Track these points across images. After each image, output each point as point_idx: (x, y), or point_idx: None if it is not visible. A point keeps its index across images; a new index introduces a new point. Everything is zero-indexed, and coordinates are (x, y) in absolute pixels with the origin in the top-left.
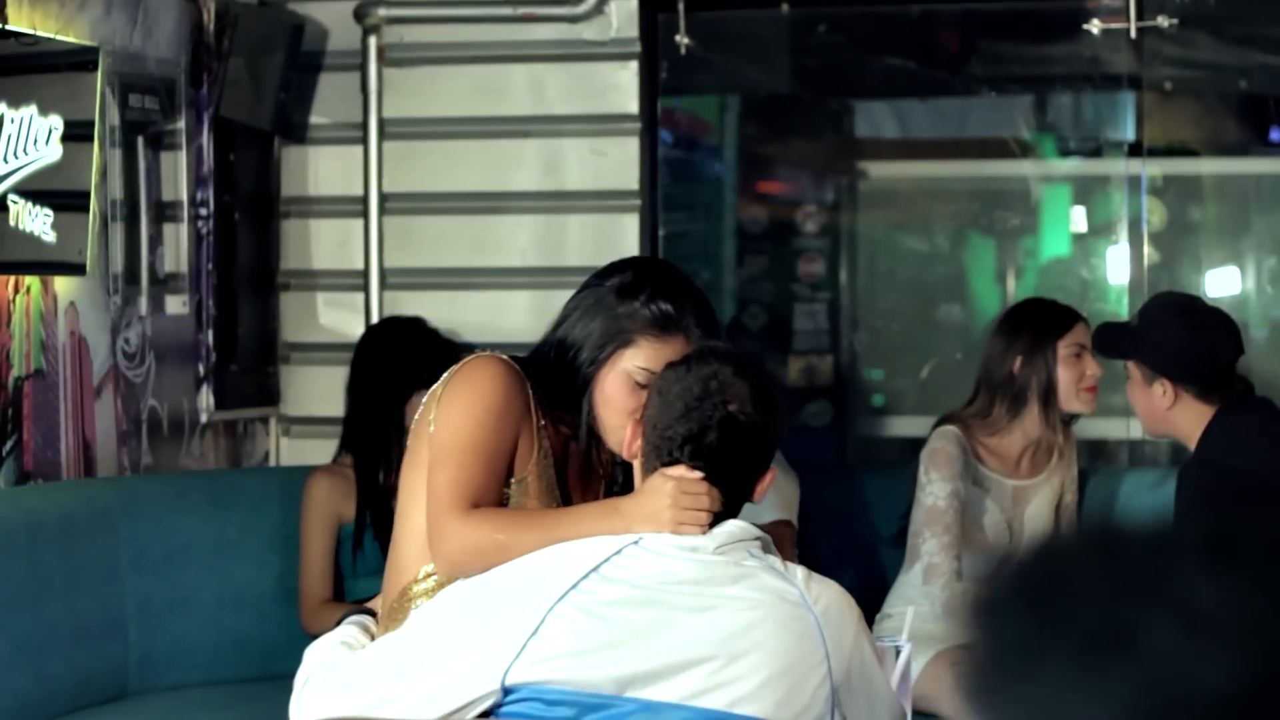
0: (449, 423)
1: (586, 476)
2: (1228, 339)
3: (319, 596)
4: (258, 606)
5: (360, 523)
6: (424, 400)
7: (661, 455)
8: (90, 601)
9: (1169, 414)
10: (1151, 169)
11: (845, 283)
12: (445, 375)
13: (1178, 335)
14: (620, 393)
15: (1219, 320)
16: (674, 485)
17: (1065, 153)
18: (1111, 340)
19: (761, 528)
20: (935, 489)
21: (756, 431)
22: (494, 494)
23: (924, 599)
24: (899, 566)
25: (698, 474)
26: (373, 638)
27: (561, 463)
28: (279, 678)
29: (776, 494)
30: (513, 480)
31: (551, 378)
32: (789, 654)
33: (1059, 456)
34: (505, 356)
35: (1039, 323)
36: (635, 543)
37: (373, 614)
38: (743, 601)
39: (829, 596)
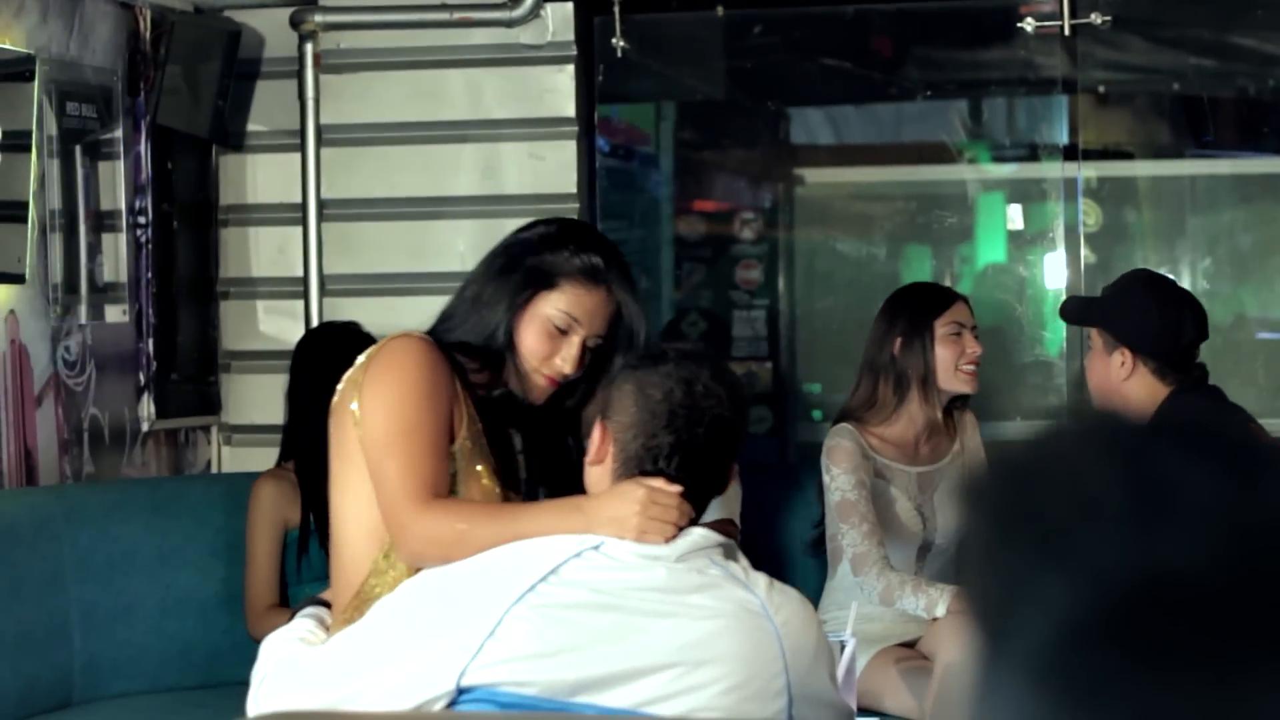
0: (384, 409)
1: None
2: (1194, 320)
3: (265, 602)
4: (202, 613)
5: (304, 528)
6: (340, 385)
7: (644, 464)
8: (34, 609)
9: (1123, 385)
10: (1087, 172)
11: (783, 289)
12: (362, 359)
13: (1145, 307)
14: (536, 337)
15: (1188, 301)
16: (646, 494)
17: (1001, 157)
18: (1079, 308)
19: (706, 526)
20: (840, 483)
21: (732, 435)
22: (444, 476)
23: (858, 594)
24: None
25: (676, 488)
26: (329, 630)
27: (493, 439)
28: (225, 684)
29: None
30: (453, 448)
31: (463, 337)
32: (749, 665)
33: (959, 438)
34: (419, 333)
35: (916, 304)
36: (595, 547)
37: (327, 605)
38: (705, 610)
39: (790, 608)
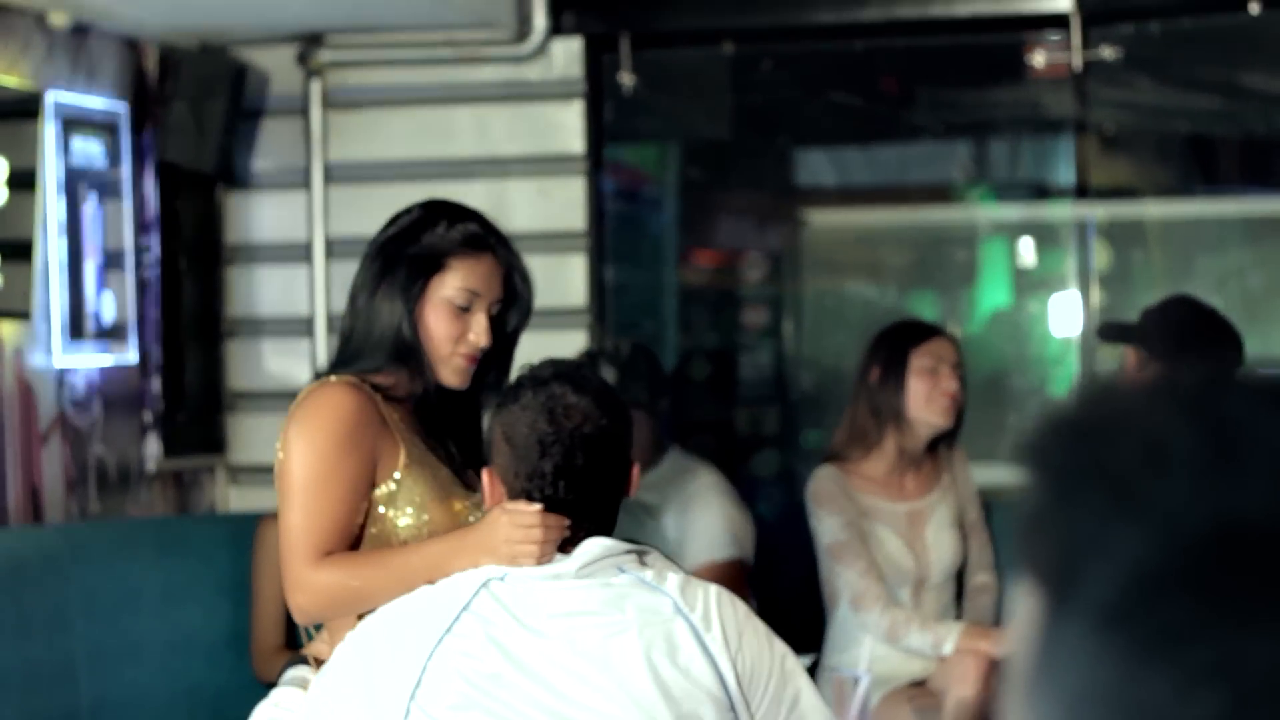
0: (292, 460)
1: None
2: (1233, 344)
3: (271, 643)
4: (209, 653)
5: None
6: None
7: (532, 495)
8: (40, 648)
9: None
10: (1097, 212)
11: (790, 332)
12: (293, 405)
13: (1184, 326)
14: (443, 322)
15: (1226, 327)
16: (507, 519)
17: (1009, 198)
18: (1118, 327)
19: (717, 566)
20: (828, 524)
21: (613, 439)
22: (346, 531)
23: (867, 636)
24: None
25: (534, 507)
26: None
27: (435, 441)
28: None
29: (730, 532)
30: (383, 491)
31: (371, 353)
32: (661, 672)
33: (947, 474)
34: (350, 377)
35: (896, 337)
36: (501, 578)
37: (314, 662)
38: (610, 628)
39: (705, 600)
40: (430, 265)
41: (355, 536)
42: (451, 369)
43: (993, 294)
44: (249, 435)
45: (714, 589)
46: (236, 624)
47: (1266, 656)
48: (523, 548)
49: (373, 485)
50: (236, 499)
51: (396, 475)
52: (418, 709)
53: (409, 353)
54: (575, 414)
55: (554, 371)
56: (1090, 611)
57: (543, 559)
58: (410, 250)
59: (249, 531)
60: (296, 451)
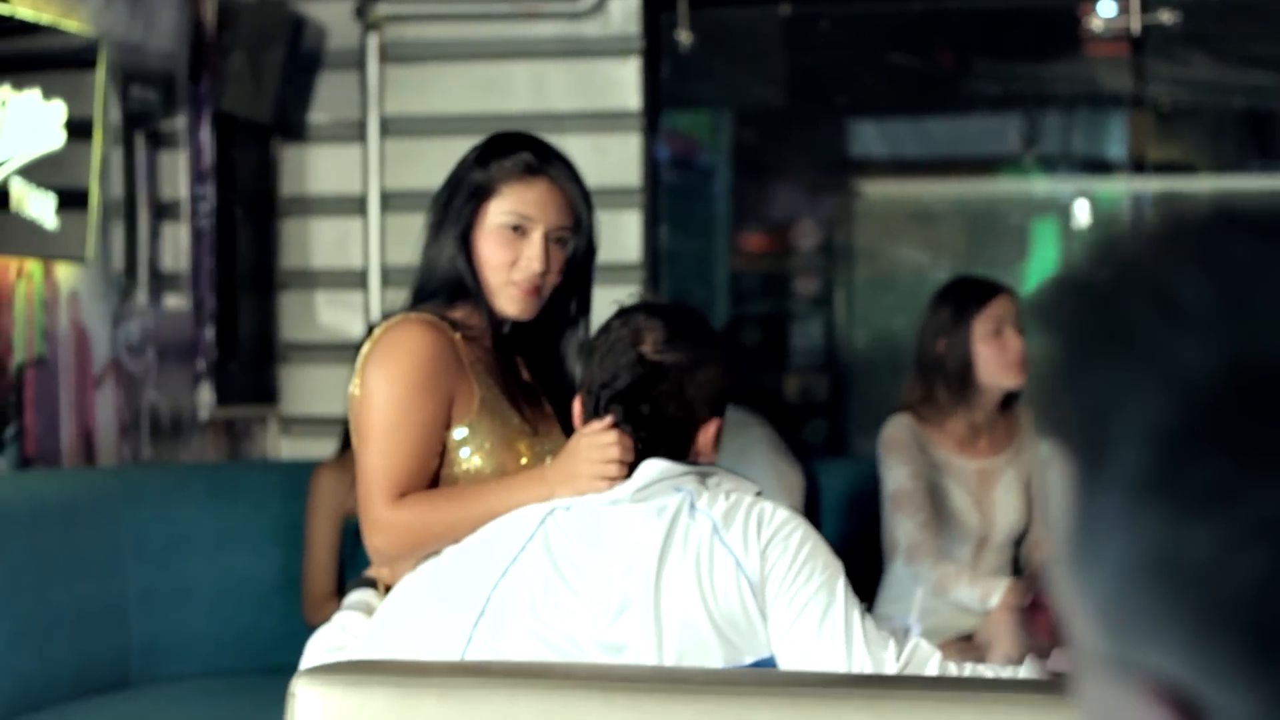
0: (371, 399)
1: (525, 387)
2: None
3: (323, 590)
4: (259, 598)
5: None
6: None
7: (588, 412)
8: (93, 588)
9: None
10: (1152, 186)
11: (841, 301)
12: (369, 341)
13: None
14: (495, 248)
15: None
16: (585, 441)
17: (1063, 170)
18: None
19: None
20: (896, 473)
21: (672, 370)
22: (424, 472)
23: (919, 587)
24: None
25: (604, 423)
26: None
27: (510, 385)
28: (281, 670)
29: (780, 484)
30: (456, 434)
31: (440, 286)
32: (708, 600)
33: (1021, 436)
34: (428, 314)
35: (958, 298)
36: (566, 508)
37: (374, 584)
38: (659, 556)
39: (728, 504)
40: (482, 193)
41: (432, 477)
42: (507, 298)
43: (1045, 268)
44: (301, 386)
45: (768, 508)
46: (287, 570)
47: None
48: (602, 467)
49: (447, 426)
50: (288, 449)
51: (470, 420)
52: (480, 639)
53: (466, 284)
54: (638, 335)
55: (646, 305)
56: (1124, 479)
57: (619, 479)
58: (467, 180)
59: (302, 478)
60: (375, 392)
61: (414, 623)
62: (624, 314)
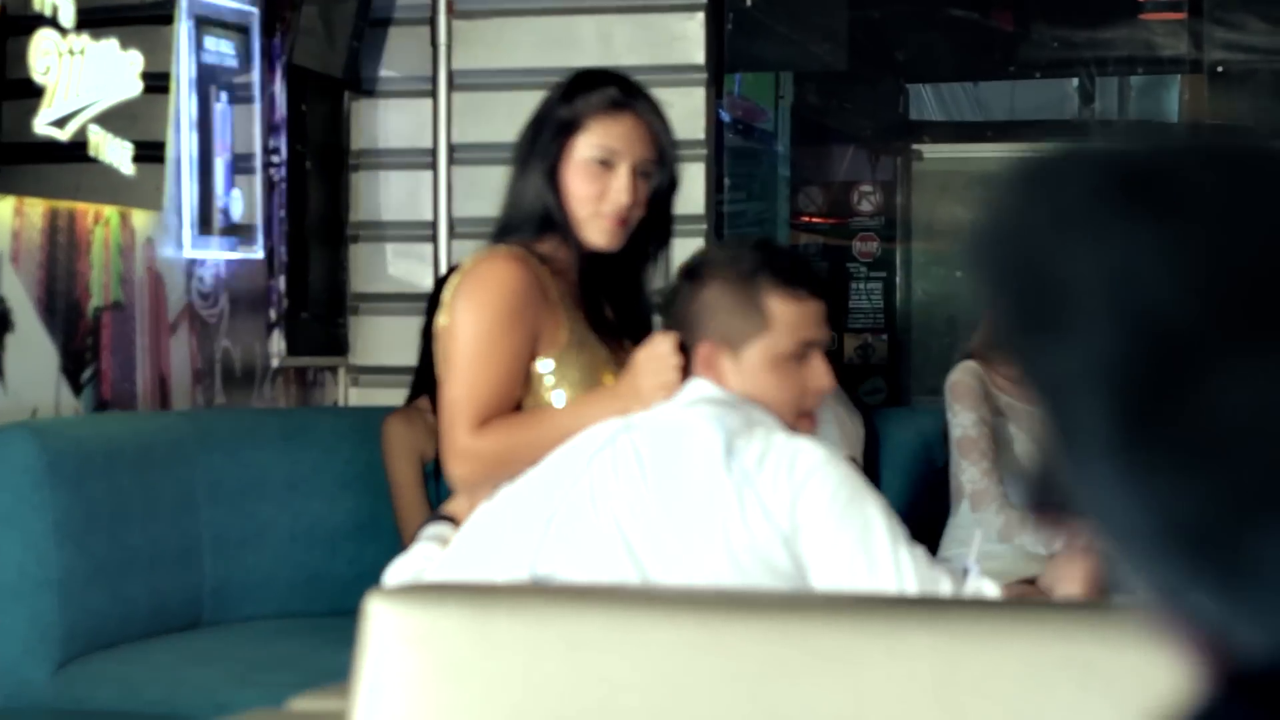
0: (459, 330)
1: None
2: None
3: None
4: (330, 542)
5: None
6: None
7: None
8: (167, 529)
9: None
10: None
11: (900, 262)
12: (457, 274)
13: None
14: (582, 181)
15: None
16: (644, 354)
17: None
18: None
19: None
20: (962, 419)
21: (677, 294)
22: (507, 402)
23: (977, 530)
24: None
25: (660, 337)
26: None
27: (596, 318)
28: (351, 613)
29: (840, 430)
30: (542, 367)
31: (527, 221)
32: (737, 537)
33: None
34: (516, 248)
35: None
36: (627, 429)
37: (453, 520)
38: (700, 485)
39: (758, 450)
40: (569, 127)
41: (515, 408)
42: (597, 230)
43: None
44: (371, 338)
45: (804, 447)
46: (358, 515)
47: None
48: (662, 377)
49: (533, 358)
50: (356, 399)
51: (557, 353)
52: (544, 563)
53: (554, 217)
54: (708, 267)
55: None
56: (1096, 449)
57: (676, 388)
58: (553, 116)
59: (373, 425)
60: (462, 322)
61: (489, 542)
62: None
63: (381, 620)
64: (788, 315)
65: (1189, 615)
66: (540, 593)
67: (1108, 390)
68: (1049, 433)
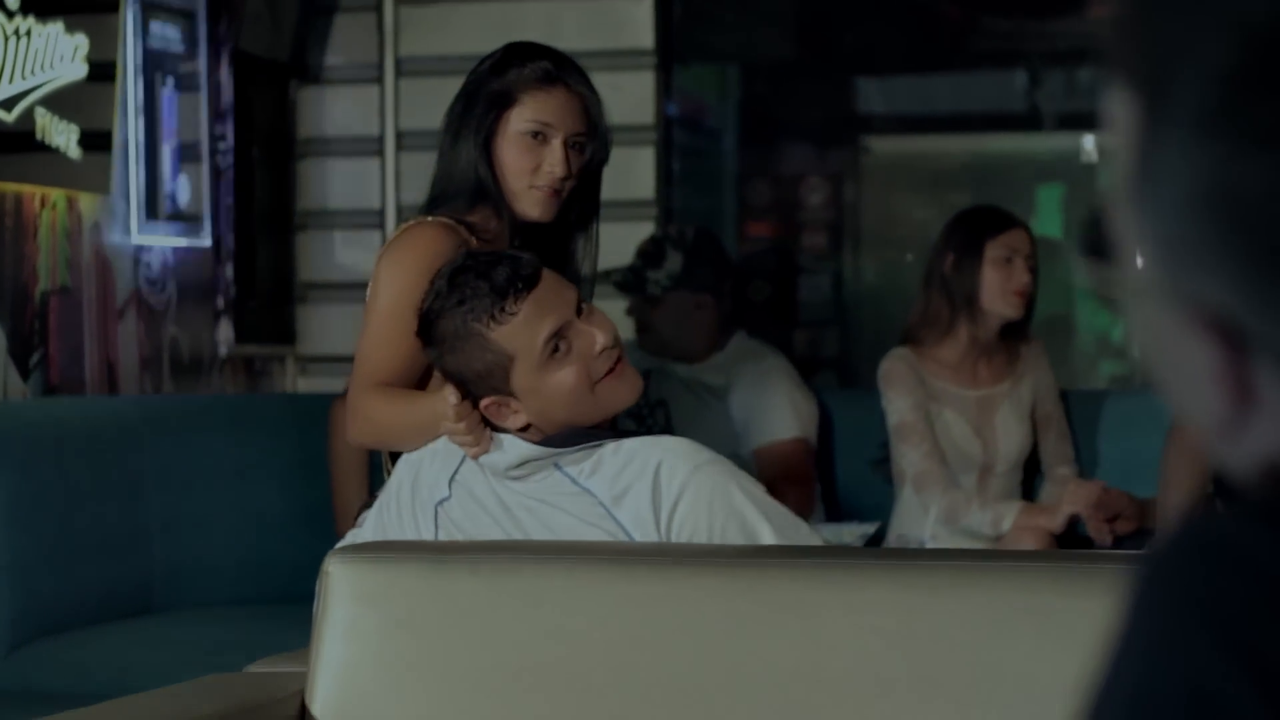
0: (378, 291)
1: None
2: None
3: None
4: (280, 529)
5: None
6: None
7: None
8: (116, 514)
9: None
10: None
11: (849, 256)
12: (385, 244)
13: None
14: (516, 154)
15: None
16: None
17: (1069, 126)
18: None
19: (782, 444)
20: (897, 405)
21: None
22: (412, 368)
23: (922, 513)
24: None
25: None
26: None
27: None
28: (303, 599)
29: (794, 412)
30: None
31: (456, 193)
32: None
33: (1022, 364)
34: (443, 218)
35: (972, 225)
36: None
37: None
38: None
39: (639, 489)
40: (502, 101)
41: (421, 377)
42: (531, 201)
43: (1048, 224)
44: (319, 326)
45: (664, 470)
46: (307, 500)
47: None
48: (459, 439)
49: None
50: (305, 388)
51: None
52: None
53: (487, 189)
54: None
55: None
56: (1186, 116)
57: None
58: (485, 89)
59: (321, 411)
60: (383, 283)
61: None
62: None
63: (341, 579)
64: (509, 336)
65: (1202, 307)
66: (499, 548)
67: (1209, 67)
68: (1131, 100)
